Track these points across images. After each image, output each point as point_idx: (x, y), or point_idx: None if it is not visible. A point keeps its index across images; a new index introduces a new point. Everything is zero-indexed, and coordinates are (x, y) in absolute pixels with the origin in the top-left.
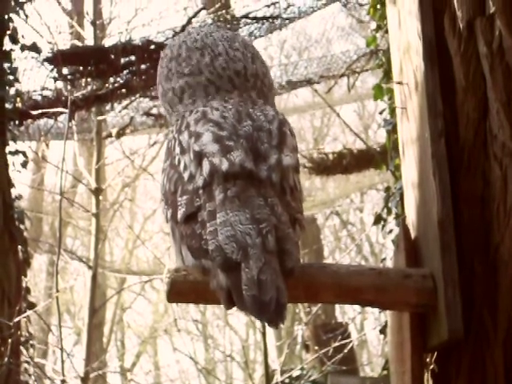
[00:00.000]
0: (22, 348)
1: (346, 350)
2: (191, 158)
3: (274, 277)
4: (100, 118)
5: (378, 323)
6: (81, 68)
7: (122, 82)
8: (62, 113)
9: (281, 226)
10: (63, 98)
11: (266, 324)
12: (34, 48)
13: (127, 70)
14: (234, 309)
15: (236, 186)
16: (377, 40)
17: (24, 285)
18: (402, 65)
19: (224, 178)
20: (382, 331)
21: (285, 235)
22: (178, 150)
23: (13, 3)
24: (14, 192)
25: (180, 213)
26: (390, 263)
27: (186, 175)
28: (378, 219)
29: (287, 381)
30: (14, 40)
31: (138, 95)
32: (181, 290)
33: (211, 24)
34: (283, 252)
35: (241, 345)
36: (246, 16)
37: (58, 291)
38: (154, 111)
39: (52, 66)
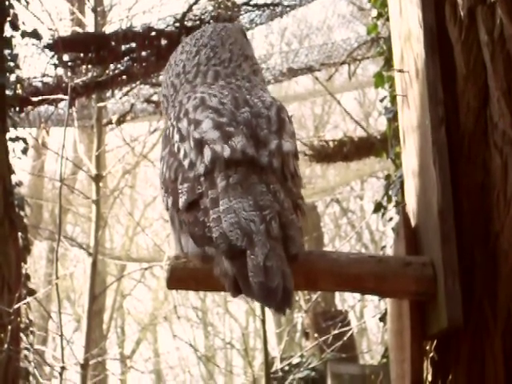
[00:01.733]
0: (21, 335)
1: (345, 338)
2: (191, 146)
3: (280, 263)
4: (100, 104)
5: (377, 311)
6: (81, 55)
7: (122, 68)
8: (62, 99)
9: (284, 212)
10: (64, 84)
11: (274, 310)
12: (35, 34)
13: (128, 57)
14: (239, 296)
15: (238, 172)
16: (378, 28)
17: (24, 271)
18: (402, 53)
19: (226, 164)
20: (382, 319)
21: (288, 221)
22: (177, 137)
23: None
24: (14, 179)
25: (181, 200)
26: (389, 251)
27: (186, 163)
28: (378, 207)
29: (287, 368)
30: (15, 26)
31: (138, 82)
32: (181, 277)
33: (212, 11)
34: (287, 238)
35: (240, 332)
36: (246, 3)
37: (57, 278)
38: (155, 98)
39: (53, 53)
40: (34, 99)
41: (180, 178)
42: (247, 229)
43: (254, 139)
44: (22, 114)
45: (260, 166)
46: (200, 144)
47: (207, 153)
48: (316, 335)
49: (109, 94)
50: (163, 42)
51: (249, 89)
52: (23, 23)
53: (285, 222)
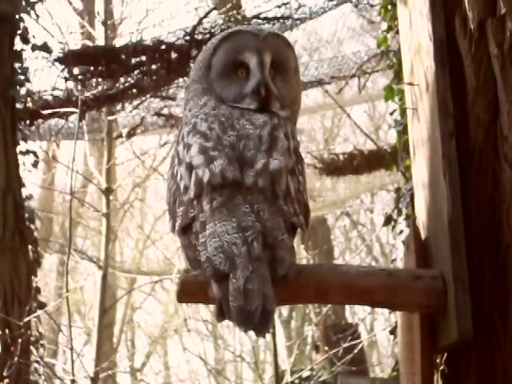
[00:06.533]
0: (32, 348)
1: (355, 351)
2: (185, 169)
3: (262, 285)
4: (111, 118)
5: (388, 324)
6: (91, 68)
7: (132, 82)
8: (72, 113)
9: (273, 232)
10: (74, 97)
11: (254, 333)
12: (45, 48)
13: (138, 70)
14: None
15: (222, 195)
16: (388, 41)
17: (34, 284)
18: (412, 65)
19: (212, 188)
20: (392, 332)
21: (278, 242)
22: (176, 160)
23: (24, 3)
24: (24, 192)
25: (177, 224)
26: (400, 264)
27: (182, 186)
28: (389, 220)
29: (297, 381)
30: (25, 40)
31: (148, 95)
32: (191, 291)
33: (222, 24)
34: (275, 259)
35: (251, 345)
36: (256, 16)
37: (68, 291)
38: (165, 111)
39: (63, 66)
40: (45, 112)
41: (177, 202)
42: (230, 252)
43: (241, 160)
44: (33, 128)
45: (245, 186)
46: (190, 168)
47: (193, 177)
48: (326, 348)
49: (119, 107)
50: (173, 55)
51: (240, 112)
52: (33, 37)
53: (273, 242)
